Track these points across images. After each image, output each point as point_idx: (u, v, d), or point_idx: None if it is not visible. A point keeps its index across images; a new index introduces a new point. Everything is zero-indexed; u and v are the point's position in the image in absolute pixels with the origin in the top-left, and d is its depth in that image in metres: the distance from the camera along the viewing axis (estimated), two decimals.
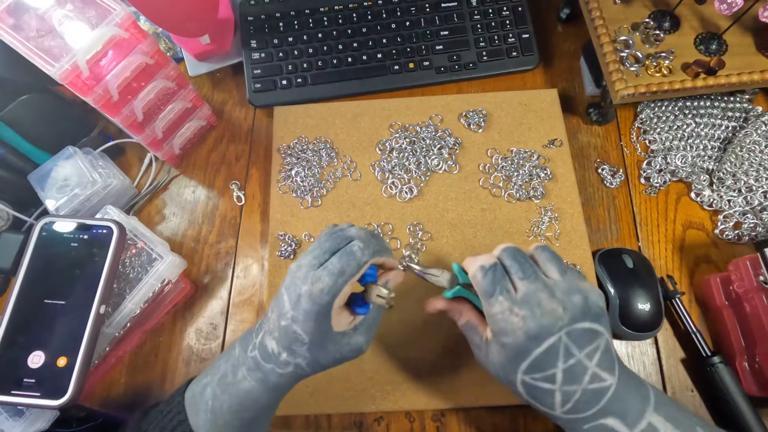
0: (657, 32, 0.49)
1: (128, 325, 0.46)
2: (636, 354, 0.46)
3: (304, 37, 0.58)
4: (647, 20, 0.50)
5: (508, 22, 0.58)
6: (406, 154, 0.53)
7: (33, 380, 0.40)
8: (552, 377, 0.31)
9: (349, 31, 0.58)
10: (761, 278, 0.41)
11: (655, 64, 0.48)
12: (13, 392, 0.40)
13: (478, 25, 0.58)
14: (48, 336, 0.41)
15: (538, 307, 0.31)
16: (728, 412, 0.42)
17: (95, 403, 0.47)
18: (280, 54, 0.58)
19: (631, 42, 0.49)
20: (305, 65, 0.58)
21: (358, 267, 0.33)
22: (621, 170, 0.53)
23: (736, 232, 0.49)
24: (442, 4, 0.59)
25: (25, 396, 0.39)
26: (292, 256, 0.50)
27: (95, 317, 0.42)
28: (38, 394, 0.39)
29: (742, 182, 0.50)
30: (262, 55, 0.58)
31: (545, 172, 0.51)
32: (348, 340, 0.34)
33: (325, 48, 0.58)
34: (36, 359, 0.41)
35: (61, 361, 0.41)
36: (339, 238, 0.34)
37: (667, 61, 0.48)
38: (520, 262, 0.33)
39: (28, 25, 0.41)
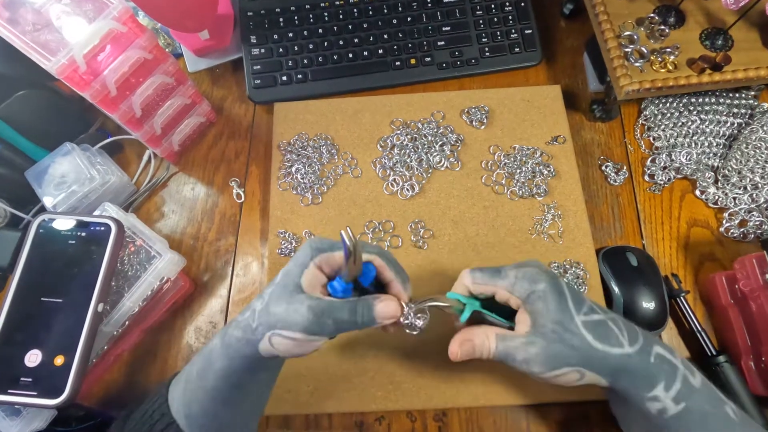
0: (662, 27, 0.49)
1: (127, 323, 0.45)
2: None
3: (305, 32, 0.58)
4: (652, 15, 0.49)
5: (510, 17, 0.58)
6: (408, 151, 0.53)
7: (30, 379, 0.39)
8: (592, 308, 0.33)
9: (350, 27, 0.58)
10: (767, 277, 0.40)
11: (660, 59, 0.47)
12: (9, 391, 0.39)
13: (481, 21, 0.58)
14: (45, 334, 0.41)
15: (531, 263, 0.35)
16: None
17: (93, 402, 0.46)
18: (280, 50, 0.57)
19: (635, 37, 0.48)
20: (305, 61, 0.57)
21: (349, 250, 0.30)
22: (625, 167, 0.52)
23: (742, 230, 0.49)
24: (444, 0, 0.58)
25: (21, 395, 0.39)
26: (292, 254, 0.50)
27: (93, 315, 0.41)
28: (35, 394, 0.39)
29: (748, 179, 0.49)
30: (262, 50, 0.57)
31: (548, 169, 0.51)
32: (300, 301, 0.31)
33: (325, 44, 0.57)
34: (33, 358, 0.40)
35: (59, 360, 0.40)
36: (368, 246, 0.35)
37: (672, 57, 0.47)
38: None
39: (24, 19, 0.41)
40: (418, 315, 0.34)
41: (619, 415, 0.37)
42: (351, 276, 0.32)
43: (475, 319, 0.36)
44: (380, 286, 0.35)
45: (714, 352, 0.43)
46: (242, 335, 0.32)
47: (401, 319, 0.33)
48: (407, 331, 0.34)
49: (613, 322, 0.33)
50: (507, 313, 0.35)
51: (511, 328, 0.34)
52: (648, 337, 0.33)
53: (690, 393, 0.31)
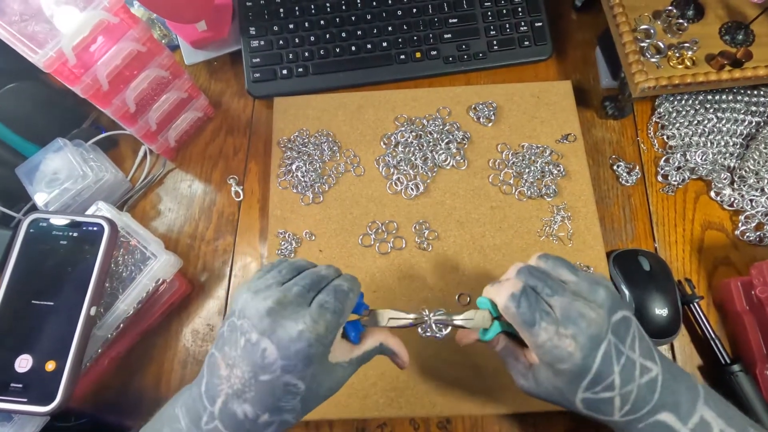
0: (680, 21, 0.46)
1: (121, 326, 0.44)
2: None
3: (306, 24, 0.55)
4: (669, 8, 0.47)
5: (520, 9, 0.56)
6: (412, 149, 0.51)
7: (20, 385, 0.38)
8: (611, 385, 0.29)
9: (353, 18, 0.55)
10: None
11: (677, 55, 0.45)
12: None
13: (489, 13, 0.56)
14: (36, 339, 0.39)
15: (581, 320, 0.29)
16: None
17: (88, 407, 0.45)
18: (281, 42, 0.55)
19: (652, 31, 0.46)
20: (307, 54, 0.55)
21: (351, 305, 0.31)
22: (637, 167, 0.51)
23: (758, 233, 0.47)
24: None
25: (11, 402, 0.38)
26: (292, 255, 0.48)
27: (85, 319, 0.40)
28: (25, 400, 0.38)
29: (766, 181, 0.48)
30: (262, 42, 0.55)
31: (558, 168, 0.49)
32: (342, 372, 0.31)
33: (327, 36, 0.55)
34: (23, 363, 0.39)
35: (50, 365, 0.39)
36: (314, 275, 0.31)
37: (690, 52, 0.45)
38: (543, 280, 0.31)
39: (10, 9, 0.39)
40: (440, 326, 0.33)
41: None
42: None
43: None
44: None
45: (728, 361, 0.42)
46: None
47: (425, 333, 0.34)
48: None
49: (622, 398, 0.29)
50: None
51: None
52: (663, 403, 0.30)
53: None
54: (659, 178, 0.50)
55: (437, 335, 0.34)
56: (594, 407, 0.30)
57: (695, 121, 0.51)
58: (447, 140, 0.51)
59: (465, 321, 0.32)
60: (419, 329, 0.34)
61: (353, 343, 0.32)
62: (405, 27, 0.55)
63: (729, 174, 0.49)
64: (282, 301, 0.28)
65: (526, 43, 0.55)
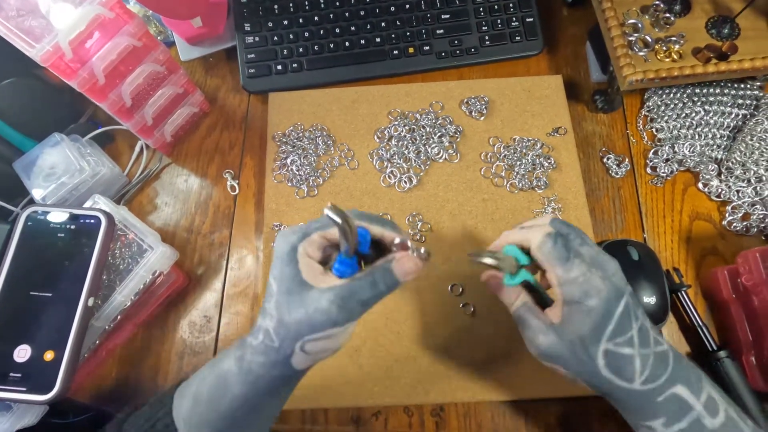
0: (667, 15, 0.47)
1: (119, 317, 0.45)
2: None
3: (300, 20, 0.56)
4: (657, 3, 0.48)
5: (511, 5, 0.56)
6: (406, 143, 0.52)
7: (19, 375, 0.39)
8: (631, 340, 0.30)
9: (347, 14, 0.56)
10: None
11: (664, 48, 0.46)
12: None
13: (481, 9, 0.56)
14: (34, 329, 0.40)
15: (609, 266, 0.31)
16: None
17: (86, 398, 0.46)
18: (275, 38, 0.56)
19: (640, 26, 0.47)
20: (301, 50, 0.56)
21: (342, 226, 0.28)
22: (627, 159, 0.51)
23: (745, 223, 0.48)
24: None
25: (10, 391, 0.38)
26: None
27: (83, 310, 0.40)
28: (24, 389, 0.38)
29: (752, 172, 0.48)
30: (257, 38, 0.56)
31: (549, 161, 0.50)
32: (317, 298, 0.28)
33: (321, 32, 0.56)
34: (22, 353, 0.39)
35: (49, 355, 0.39)
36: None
37: (677, 46, 0.46)
38: (575, 231, 0.33)
39: (7, 4, 0.39)
40: (423, 250, 0.31)
41: None
42: (352, 248, 0.29)
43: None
44: (376, 245, 0.32)
45: (715, 347, 0.43)
46: (266, 359, 0.29)
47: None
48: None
49: (641, 359, 0.30)
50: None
51: (544, 302, 0.34)
52: (677, 375, 0.31)
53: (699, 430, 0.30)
54: (648, 170, 0.51)
55: (423, 256, 0.31)
56: (615, 366, 0.30)
57: (683, 114, 0.52)
58: (440, 134, 0.52)
59: (493, 260, 0.32)
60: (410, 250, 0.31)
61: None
62: (398, 23, 0.56)
63: (716, 166, 0.50)
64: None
65: (518, 38, 0.56)
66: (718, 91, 0.52)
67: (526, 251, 0.33)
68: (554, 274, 0.31)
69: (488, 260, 0.32)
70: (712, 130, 0.51)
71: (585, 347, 0.30)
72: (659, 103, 0.53)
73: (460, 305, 0.45)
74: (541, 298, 0.34)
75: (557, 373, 0.32)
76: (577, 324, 0.30)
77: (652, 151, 0.52)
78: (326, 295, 0.28)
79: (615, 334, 0.30)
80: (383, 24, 0.56)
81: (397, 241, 0.31)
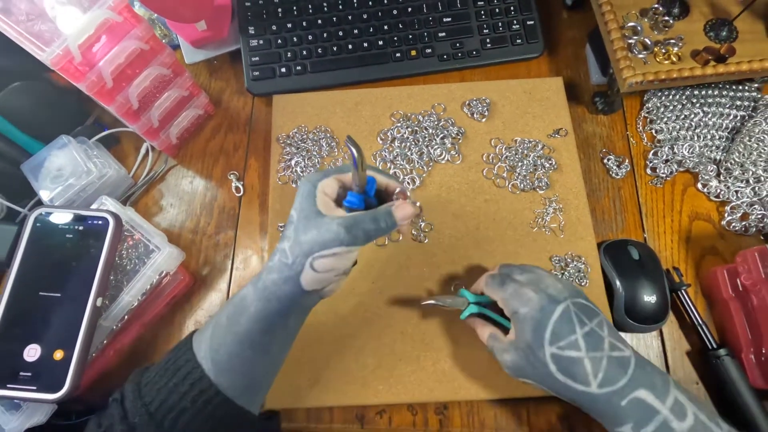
0: (666, 18, 0.48)
1: (126, 317, 0.45)
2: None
3: (304, 23, 0.57)
4: (656, 6, 0.49)
5: (512, 8, 0.57)
6: (408, 144, 0.52)
7: (29, 374, 0.39)
8: (575, 343, 0.33)
9: (350, 17, 0.57)
10: None
11: (663, 51, 0.47)
12: (8, 386, 0.39)
13: (482, 12, 0.57)
14: (44, 329, 0.40)
15: (542, 283, 0.36)
16: (734, 406, 0.41)
17: (93, 397, 0.46)
18: (279, 41, 0.56)
19: (639, 28, 0.48)
20: (305, 52, 0.56)
21: (356, 156, 0.33)
22: (627, 160, 0.52)
23: (744, 223, 0.49)
24: None
25: (21, 390, 0.39)
26: None
27: (92, 310, 0.41)
28: (34, 388, 0.39)
29: (750, 173, 0.49)
30: (261, 42, 0.56)
31: (550, 162, 0.51)
32: (328, 222, 0.33)
33: (324, 35, 0.57)
34: (32, 352, 0.40)
35: (58, 354, 0.40)
36: None
37: (676, 48, 0.47)
38: (521, 268, 0.39)
39: (17, 9, 0.40)
40: (417, 203, 0.37)
41: None
42: (361, 184, 0.34)
43: (482, 315, 0.41)
44: (379, 195, 0.38)
45: (714, 346, 0.44)
46: (279, 276, 0.33)
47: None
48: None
49: (592, 362, 0.32)
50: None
51: (507, 329, 0.38)
52: (639, 379, 0.32)
53: None
54: (648, 170, 0.52)
55: (431, 302, 0.41)
56: (566, 369, 0.33)
57: (682, 116, 0.52)
58: (442, 135, 0.52)
59: (439, 302, 0.40)
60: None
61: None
62: (400, 26, 0.57)
63: (715, 166, 0.51)
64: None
65: (519, 41, 0.56)
66: (716, 92, 0.53)
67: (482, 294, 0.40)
68: (498, 297, 0.37)
69: (437, 302, 0.40)
70: (711, 132, 0.52)
71: (534, 353, 0.34)
72: (659, 104, 0.53)
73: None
74: (503, 328, 0.39)
75: (535, 389, 0.36)
76: (521, 333, 0.35)
77: (652, 152, 0.52)
78: (336, 220, 0.33)
79: (555, 338, 0.34)
80: (386, 27, 0.57)
81: (398, 190, 0.37)
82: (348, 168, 0.36)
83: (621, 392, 0.32)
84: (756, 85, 0.53)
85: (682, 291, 0.46)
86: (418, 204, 0.37)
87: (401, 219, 0.35)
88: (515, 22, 0.57)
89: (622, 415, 0.32)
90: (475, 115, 0.53)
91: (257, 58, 0.56)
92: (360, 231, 0.33)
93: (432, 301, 0.40)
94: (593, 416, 0.34)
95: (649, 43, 0.47)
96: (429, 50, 0.56)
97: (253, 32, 0.57)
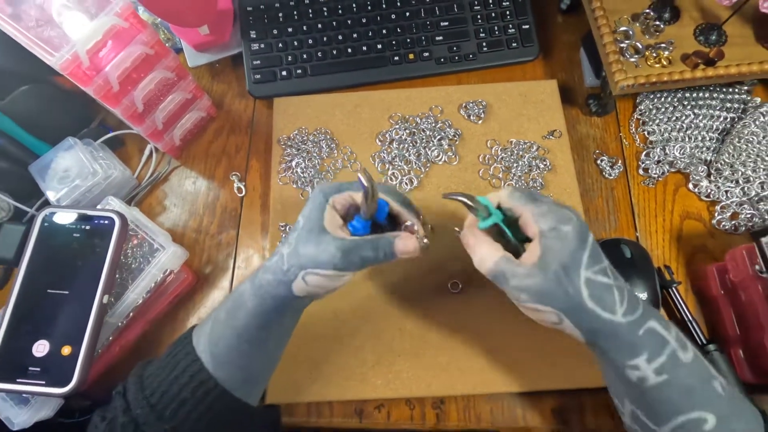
0: (657, 23, 0.49)
1: (131, 314, 0.46)
2: None
3: (304, 27, 0.58)
4: (647, 11, 0.50)
5: (508, 12, 0.58)
6: (406, 145, 0.53)
7: (38, 369, 0.40)
8: (605, 270, 0.32)
9: (349, 22, 0.58)
10: (757, 268, 0.41)
11: (654, 54, 0.48)
12: (18, 380, 0.40)
13: (478, 16, 0.58)
14: (52, 325, 0.42)
15: (569, 207, 0.34)
16: None
17: (98, 393, 0.47)
18: (280, 45, 0.58)
19: (631, 33, 0.49)
20: (305, 56, 0.58)
21: (367, 189, 0.33)
22: (620, 161, 0.53)
23: (733, 222, 0.50)
24: None
25: (30, 384, 0.40)
26: None
27: (98, 306, 0.42)
28: (43, 382, 0.40)
29: (740, 173, 0.50)
30: (262, 45, 0.58)
31: (544, 163, 0.52)
32: (328, 242, 0.33)
33: (324, 39, 0.58)
34: (41, 348, 0.41)
35: (66, 350, 0.41)
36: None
37: (666, 52, 0.48)
38: (533, 191, 0.37)
39: (27, 15, 0.41)
40: (425, 240, 0.36)
41: (597, 359, 0.37)
42: (369, 214, 0.35)
43: (491, 232, 0.36)
44: (392, 218, 0.38)
45: (704, 341, 0.45)
46: (273, 277, 0.34)
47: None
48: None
49: (618, 291, 0.32)
50: (520, 240, 0.35)
51: (517, 254, 0.34)
52: (648, 311, 0.33)
53: (675, 367, 0.31)
54: (640, 171, 0.53)
55: (424, 243, 0.36)
56: (596, 296, 0.31)
57: (674, 118, 0.54)
58: (439, 137, 0.54)
59: (467, 199, 0.34)
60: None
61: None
62: (399, 30, 0.58)
63: (706, 167, 0.52)
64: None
65: (514, 44, 0.58)
66: (707, 95, 0.54)
67: (498, 209, 0.36)
68: (528, 212, 0.33)
69: (463, 198, 0.34)
70: (702, 133, 0.53)
71: (568, 275, 0.31)
72: (651, 106, 0.55)
73: (459, 302, 0.47)
74: (512, 251, 0.35)
75: (544, 320, 0.33)
76: (556, 252, 0.31)
77: (644, 153, 0.53)
78: (336, 242, 0.33)
79: (592, 262, 0.31)
80: (384, 31, 0.58)
81: (408, 223, 0.36)
82: (359, 187, 0.35)
83: (639, 321, 0.32)
84: (746, 87, 0.54)
85: (673, 288, 0.47)
86: (426, 242, 0.36)
87: (401, 252, 0.35)
88: (511, 26, 0.58)
89: (639, 345, 0.31)
90: (471, 117, 0.55)
91: (259, 62, 0.57)
92: (357, 257, 0.33)
93: (458, 196, 0.34)
94: (605, 352, 0.32)
95: (640, 47, 0.48)
96: (426, 54, 0.58)
97: (254, 36, 0.58)
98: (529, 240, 0.34)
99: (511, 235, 0.35)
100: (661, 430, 0.32)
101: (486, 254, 0.34)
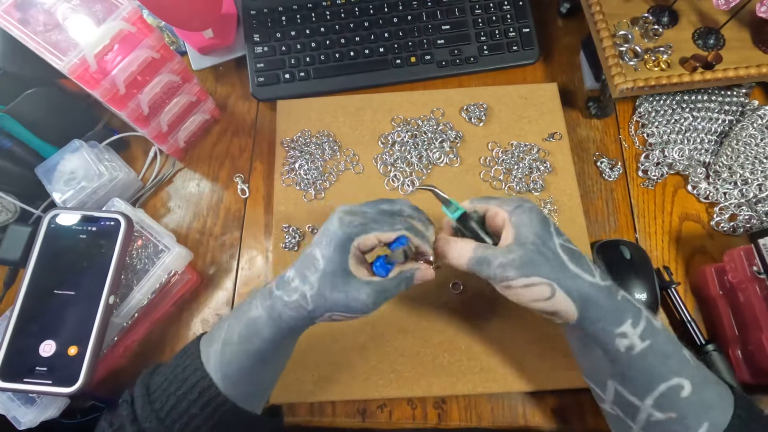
0: (656, 27, 0.50)
1: (136, 315, 0.47)
2: None
3: (307, 30, 0.59)
4: (646, 15, 0.51)
5: (508, 16, 0.59)
6: (408, 148, 0.54)
7: (45, 368, 0.41)
8: (570, 241, 0.35)
9: (351, 25, 0.59)
10: (755, 268, 0.42)
11: (653, 58, 0.49)
12: (25, 380, 0.40)
13: (479, 20, 0.59)
14: (59, 325, 0.42)
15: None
16: None
17: (103, 392, 0.48)
18: (283, 48, 0.58)
19: (630, 36, 0.50)
20: (308, 59, 0.58)
21: (392, 229, 0.34)
22: (619, 163, 0.54)
23: (732, 224, 0.50)
24: None
25: (37, 384, 0.40)
26: (296, 248, 0.51)
27: (104, 307, 0.43)
28: (50, 382, 0.40)
29: (738, 175, 0.51)
30: (265, 48, 0.58)
31: (545, 165, 0.52)
32: (357, 288, 0.33)
33: (327, 42, 0.58)
34: (47, 348, 0.41)
35: (72, 350, 0.41)
36: (395, 204, 0.37)
37: (665, 56, 0.49)
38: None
39: (35, 20, 0.42)
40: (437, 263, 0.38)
41: (574, 346, 0.39)
42: (396, 259, 0.36)
43: (462, 233, 0.39)
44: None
45: (703, 341, 0.45)
46: (297, 314, 0.34)
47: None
48: None
49: (586, 257, 0.34)
50: (487, 233, 0.38)
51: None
52: (614, 282, 0.35)
53: (653, 332, 0.32)
54: (640, 173, 0.54)
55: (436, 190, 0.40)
56: (576, 260, 0.33)
57: (673, 120, 0.54)
58: (441, 139, 0.54)
59: (439, 191, 0.39)
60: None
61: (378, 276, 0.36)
62: (400, 33, 0.59)
63: (704, 169, 0.53)
64: (351, 208, 0.36)
65: (515, 47, 0.58)
66: (705, 98, 0.54)
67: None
68: (492, 204, 0.37)
69: (434, 188, 0.39)
70: (701, 135, 0.53)
71: (545, 243, 0.33)
72: (650, 109, 0.55)
73: (461, 302, 0.48)
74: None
75: (538, 298, 0.33)
76: (527, 225, 0.34)
77: (644, 155, 0.54)
78: (365, 289, 0.34)
79: (558, 233, 0.34)
80: (386, 34, 0.59)
81: (429, 258, 0.38)
82: (387, 228, 0.35)
83: (613, 288, 0.33)
84: (744, 90, 0.55)
85: (672, 289, 0.47)
86: (439, 265, 0.39)
87: (419, 281, 0.37)
88: (511, 29, 0.59)
89: (623, 310, 0.32)
90: (472, 120, 0.55)
91: (262, 65, 0.58)
92: (383, 297, 0.34)
93: (430, 187, 0.39)
94: (597, 320, 0.32)
95: (639, 50, 0.49)
96: (428, 57, 0.58)
97: (258, 39, 0.59)
98: (496, 237, 0.37)
99: (479, 228, 0.38)
100: (644, 404, 0.32)
101: (461, 247, 0.36)
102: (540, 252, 0.33)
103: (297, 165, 0.54)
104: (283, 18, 0.59)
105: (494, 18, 0.59)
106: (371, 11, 0.59)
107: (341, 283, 0.33)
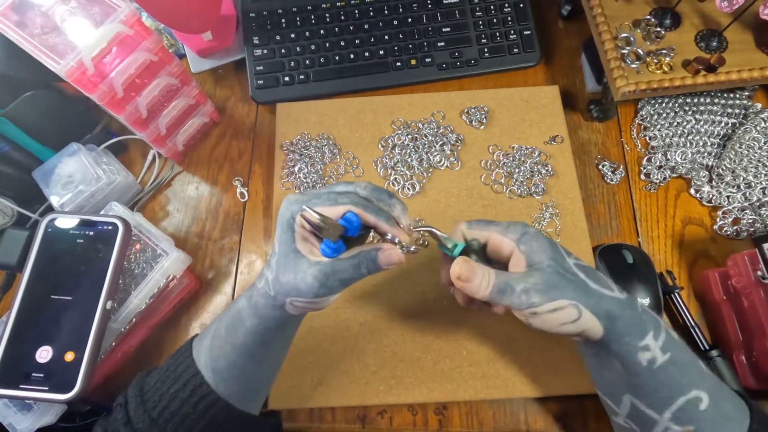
0: (658, 29, 0.50)
1: (134, 320, 0.46)
2: None
3: (306, 33, 0.58)
4: (648, 17, 0.50)
5: (509, 18, 0.59)
6: (409, 151, 0.54)
7: (41, 374, 0.40)
8: (579, 259, 0.34)
9: (351, 28, 0.58)
10: (759, 273, 0.42)
11: (655, 61, 0.48)
12: (21, 386, 0.40)
13: (480, 22, 0.59)
14: (55, 331, 0.42)
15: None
16: None
17: (101, 398, 0.47)
18: (283, 50, 0.58)
19: (632, 39, 0.49)
20: (307, 62, 0.58)
21: (334, 203, 0.32)
22: (621, 166, 0.54)
23: (735, 227, 0.50)
24: (444, 1, 0.59)
25: (33, 390, 0.40)
26: None
27: (102, 312, 0.42)
28: (46, 388, 0.40)
29: (741, 178, 0.50)
30: (265, 51, 0.58)
31: (546, 168, 0.52)
32: (304, 269, 0.32)
33: (327, 44, 0.58)
34: (44, 354, 0.41)
35: (69, 356, 0.41)
36: (351, 185, 0.34)
37: (667, 58, 0.48)
38: None
39: (32, 22, 0.41)
40: (413, 247, 0.35)
41: (589, 361, 0.37)
42: (334, 238, 0.32)
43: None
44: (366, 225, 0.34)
45: (707, 347, 0.45)
46: (266, 301, 0.34)
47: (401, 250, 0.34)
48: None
49: (599, 272, 0.34)
50: (488, 261, 0.36)
51: None
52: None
53: (673, 343, 0.32)
54: (642, 176, 0.53)
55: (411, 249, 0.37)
56: (593, 276, 0.32)
57: (675, 123, 0.54)
58: (441, 142, 0.54)
59: (437, 232, 0.35)
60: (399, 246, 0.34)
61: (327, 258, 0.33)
62: (401, 36, 0.58)
63: (707, 172, 0.52)
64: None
65: (516, 50, 0.58)
66: (708, 100, 0.54)
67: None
68: (494, 232, 0.35)
69: (431, 229, 0.35)
70: (703, 138, 0.53)
71: (562, 265, 0.32)
72: (652, 112, 0.55)
73: (462, 308, 0.47)
74: None
75: (565, 321, 0.31)
76: (538, 250, 0.32)
77: (646, 158, 0.54)
78: (312, 269, 0.32)
79: (568, 252, 0.34)
80: (386, 37, 0.58)
81: (388, 237, 0.33)
82: (327, 201, 0.32)
83: (632, 299, 0.33)
84: (747, 93, 0.54)
85: (675, 294, 0.47)
86: (414, 249, 0.36)
87: (386, 265, 0.33)
88: (512, 32, 0.58)
89: (644, 321, 0.31)
90: (473, 123, 0.55)
91: (261, 67, 0.58)
92: (336, 281, 0.32)
93: (427, 228, 0.35)
94: (622, 335, 0.31)
95: (641, 53, 0.48)
96: (428, 59, 0.58)
97: (257, 42, 0.58)
98: (498, 266, 0.34)
99: (482, 259, 0.35)
100: (662, 417, 0.32)
101: (482, 274, 0.33)
102: (559, 274, 0.32)
103: (296, 168, 0.54)
104: (283, 20, 0.59)
105: (495, 20, 0.59)
106: (371, 13, 0.59)
107: (292, 265, 0.32)
